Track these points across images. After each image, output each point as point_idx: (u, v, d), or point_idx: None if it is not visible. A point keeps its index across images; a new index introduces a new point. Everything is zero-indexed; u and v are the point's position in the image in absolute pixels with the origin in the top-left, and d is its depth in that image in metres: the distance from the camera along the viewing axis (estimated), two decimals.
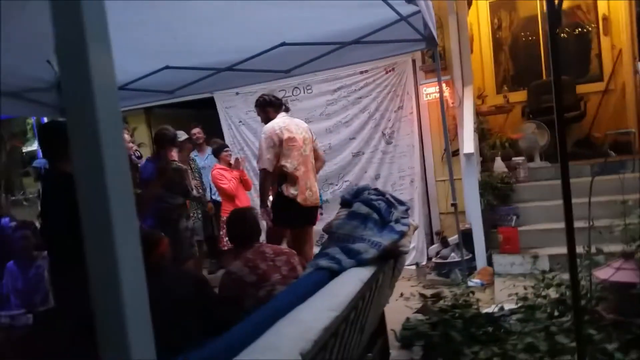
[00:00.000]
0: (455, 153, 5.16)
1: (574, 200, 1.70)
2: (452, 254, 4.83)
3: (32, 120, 11.98)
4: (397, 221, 2.52)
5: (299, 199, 3.69)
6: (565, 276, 3.07)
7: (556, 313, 2.76)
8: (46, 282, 3.47)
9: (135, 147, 5.14)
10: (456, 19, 5.23)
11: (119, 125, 0.66)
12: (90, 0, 0.62)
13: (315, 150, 3.99)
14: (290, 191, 3.68)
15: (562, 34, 6.44)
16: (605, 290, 2.52)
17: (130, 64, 3.73)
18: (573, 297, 1.73)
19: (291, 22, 3.50)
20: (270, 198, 3.88)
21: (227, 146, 5.28)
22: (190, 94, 4.86)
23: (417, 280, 4.80)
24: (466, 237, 4.66)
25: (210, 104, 6.15)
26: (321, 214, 4.66)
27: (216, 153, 5.08)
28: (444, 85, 4.79)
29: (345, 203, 2.62)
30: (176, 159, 4.18)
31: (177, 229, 3.83)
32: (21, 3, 2.20)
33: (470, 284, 4.25)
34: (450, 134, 5.06)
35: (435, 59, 4.44)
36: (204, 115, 6.47)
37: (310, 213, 3.90)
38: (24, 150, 14.64)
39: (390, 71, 5.51)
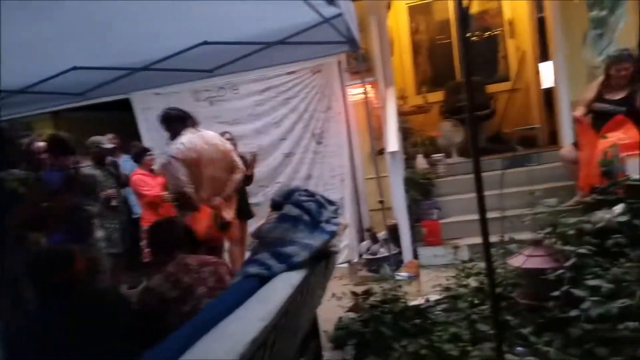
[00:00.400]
0: (382, 151, 5.32)
1: (487, 192, 1.82)
2: (381, 250, 4.97)
3: None
4: (327, 221, 2.54)
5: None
6: (483, 265, 3.26)
7: (476, 301, 2.91)
8: None
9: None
10: (377, 23, 5.38)
11: None
12: None
13: (232, 161, 3.92)
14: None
15: (473, 37, 6.84)
16: (518, 277, 2.71)
17: (33, 64, 3.46)
18: (489, 285, 1.85)
19: (213, 20, 3.40)
20: None
21: (149, 150, 5.05)
22: (104, 95, 4.54)
23: (349, 278, 4.86)
24: (394, 232, 4.82)
25: (125, 105, 5.80)
26: None
27: (138, 158, 4.84)
28: (368, 86, 4.92)
29: (276, 205, 2.59)
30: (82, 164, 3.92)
31: (91, 241, 3.61)
32: None
33: (398, 277, 4.39)
34: (376, 133, 5.21)
35: (358, 61, 4.54)
36: (118, 119, 6.11)
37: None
38: None
39: (317, 72, 5.57)
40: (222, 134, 4.86)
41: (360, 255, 5.38)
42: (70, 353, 1.79)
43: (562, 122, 5.35)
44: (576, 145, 4.29)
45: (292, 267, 2.09)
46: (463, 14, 1.71)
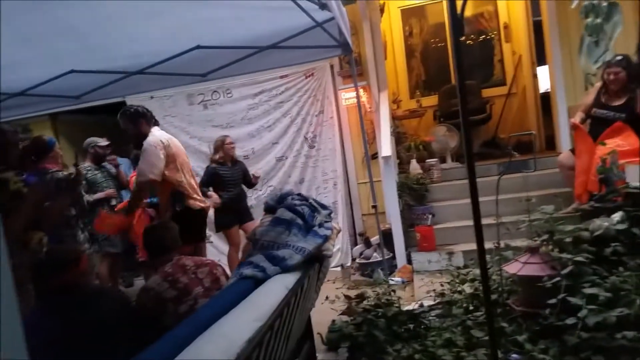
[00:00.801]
0: (375, 156, 5.30)
1: (482, 198, 1.79)
2: (375, 254, 4.95)
3: None
4: (320, 225, 2.54)
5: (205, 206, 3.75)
6: (478, 271, 3.24)
7: (471, 307, 2.89)
8: None
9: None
10: (370, 26, 5.37)
11: None
12: None
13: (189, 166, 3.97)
14: (198, 202, 3.64)
15: (468, 41, 6.84)
16: (514, 283, 2.68)
17: (31, 67, 3.46)
18: (484, 292, 1.82)
19: (206, 25, 3.41)
20: None
21: None
22: (100, 98, 4.61)
23: (342, 281, 4.85)
24: (387, 237, 4.79)
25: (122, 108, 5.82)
26: None
27: (137, 160, 4.81)
28: (361, 90, 4.90)
29: (269, 209, 2.61)
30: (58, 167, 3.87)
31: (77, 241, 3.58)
32: None
33: (391, 282, 4.37)
34: (369, 137, 5.19)
35: (351, 65, 4.53)
36: (115, 121, 6.11)
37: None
38: None
39: (309, 76, 5.56)
40: (223, 137, 4.86)
41: (354, 259, 5.36)
42: (70, 351, 1.81)
43: (559, 128, 5.35)
44: (574, 151, 4.28)
45: (286, 269, 2.10)
46: (456, 19, 1.68)
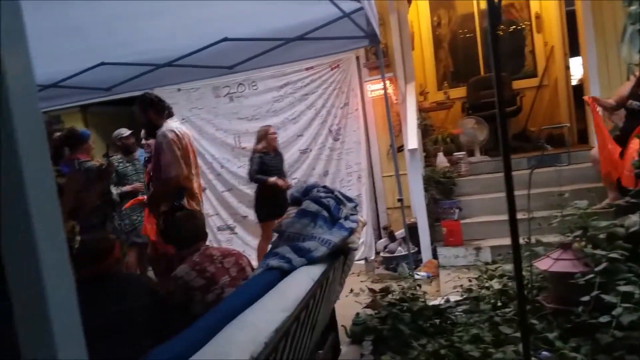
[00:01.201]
0: (400, 149, 5.24)
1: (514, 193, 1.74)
2: (399, 248, 4.91)
3: None
4: (346, 218, 2.54)
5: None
6: (507, 267, 3.19)
7: (499, 304, 2.84)
8: None
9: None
10: (397, 17, 5.29)
11: (39, 129, 0.62)
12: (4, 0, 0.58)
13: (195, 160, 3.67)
14: (193, 206, 3.31)
15: (498, 31, 6.68)
16: (545, 280, 2.62)
17: (65, 60, 3.53)
18: (518, 288, 1.78)
19: (234, 18, 3.42)
20: None
21: None
22: (129, 90, 4.65)
23: (366, 275, 4.84)
24: (412, 231, 4.74)
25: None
26: None
27: None
28: (387, 82, 4.84)
29: (295, 201, 2.61)
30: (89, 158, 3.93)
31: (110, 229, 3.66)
32: None
33: (416, 276, 4.33)
34: (395, 130, 5.13)
35: (378, 56, 4.47)
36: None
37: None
38: None
39: (335, 68, 5.53)
40: (267, 127, 4.86)
41: (377, 253, 5.33)
42: (101, 338, 1.84)
43: (592, 121, 5.19)
44: None
45: (312, 261, 2.12)
46: (493, 7, 1.63)
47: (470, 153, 5.85)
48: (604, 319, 2.06)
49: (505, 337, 2.44)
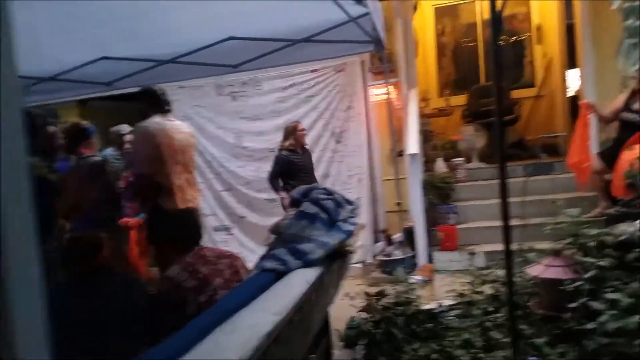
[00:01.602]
0: (401, 153, 5.30)
1: (508, 200, 1.80)
2: (396, 252, 4.95)
3: None
4: (344, 221, 2.54)
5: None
6: (500, 272, 3.23)
7: (491, 309, 2.88)
8: None
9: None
10: (403, 23, 5.35)
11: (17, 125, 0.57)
12: None
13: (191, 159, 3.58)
14: (168, 205, 3.18)
15: (499, 41, 6.74)
16: (536, 286, 2.67)
17: (64, 52, 3.53)
18: (508, 294, 1.83)
19: (239, 16, 3.44)
20: None
21: None
22: (130, 86, 4.58)
23: (362, 278, 4.86)
24: (409, 235, 4.79)
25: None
26: None
27: None
28: (390, 87, 4.90)
29: (294, 202, 2.61)
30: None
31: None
32: None
33: (412, 280, 4.36)
34: (397, 134, 5.19)
35: (383, 61, 4.52)
36: (141, 107, 6.16)
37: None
38: None
39: (340, 71, 5.58)
40: (295, 124, 4.71)
41: (375, 256, 5.37)
42: (92, 337, 1.85)
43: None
44: (601, 155, 4.20)
45: (308, 263, 2.09)
46: (496, 18, 1.69)
47: (468, 160, 5.91)
48: (590, 325, 2.11)
49: (495, 342, 2.47)
